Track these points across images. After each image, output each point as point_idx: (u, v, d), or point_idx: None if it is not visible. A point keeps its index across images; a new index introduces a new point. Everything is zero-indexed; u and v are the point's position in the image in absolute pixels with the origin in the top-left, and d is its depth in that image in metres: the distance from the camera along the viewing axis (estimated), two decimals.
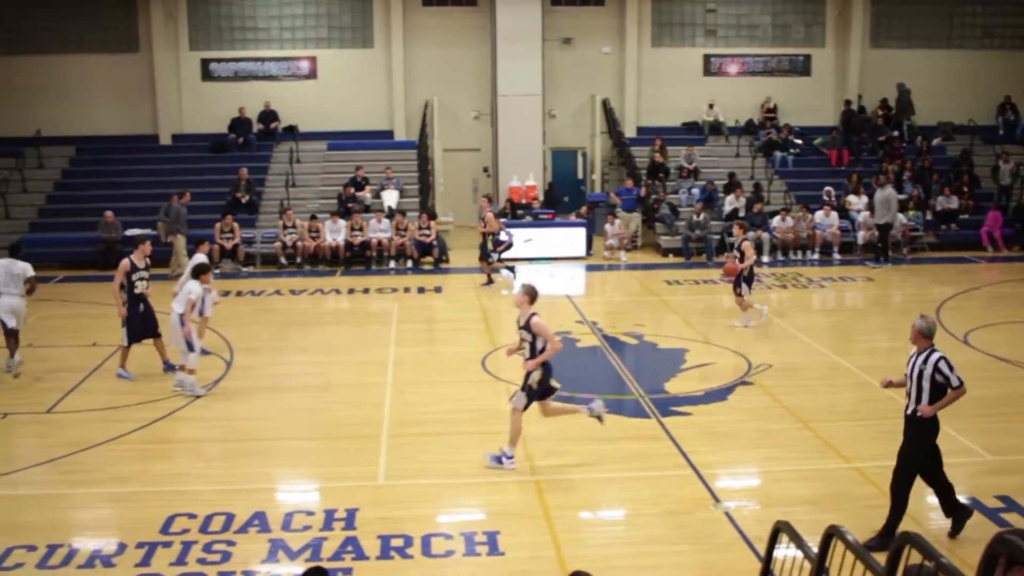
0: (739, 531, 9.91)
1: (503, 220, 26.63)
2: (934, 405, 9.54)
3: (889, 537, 9.57)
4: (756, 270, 19.79)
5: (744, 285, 18.82)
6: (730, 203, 27.64)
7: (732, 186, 28.07)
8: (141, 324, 15.90)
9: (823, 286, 23.21)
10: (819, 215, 26.99)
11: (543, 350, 11.77)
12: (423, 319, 20.36)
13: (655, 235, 28.05)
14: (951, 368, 9.53)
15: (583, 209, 28.49)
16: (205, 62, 31.19)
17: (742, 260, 18.67)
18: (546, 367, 11.88)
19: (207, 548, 9.86)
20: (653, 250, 27.75)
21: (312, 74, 31.41)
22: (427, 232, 25.66)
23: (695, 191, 28.67)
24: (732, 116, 32.03)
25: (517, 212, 28.02)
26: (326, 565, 8.06)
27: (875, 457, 11.77)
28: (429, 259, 25.90)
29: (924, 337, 9.74)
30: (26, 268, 16.22)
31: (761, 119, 32.14)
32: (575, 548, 9.77)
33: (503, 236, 25.73)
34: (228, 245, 25.08)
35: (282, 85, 31.29)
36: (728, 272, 19.06)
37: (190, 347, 14.85)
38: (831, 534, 6.61)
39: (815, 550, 6.84)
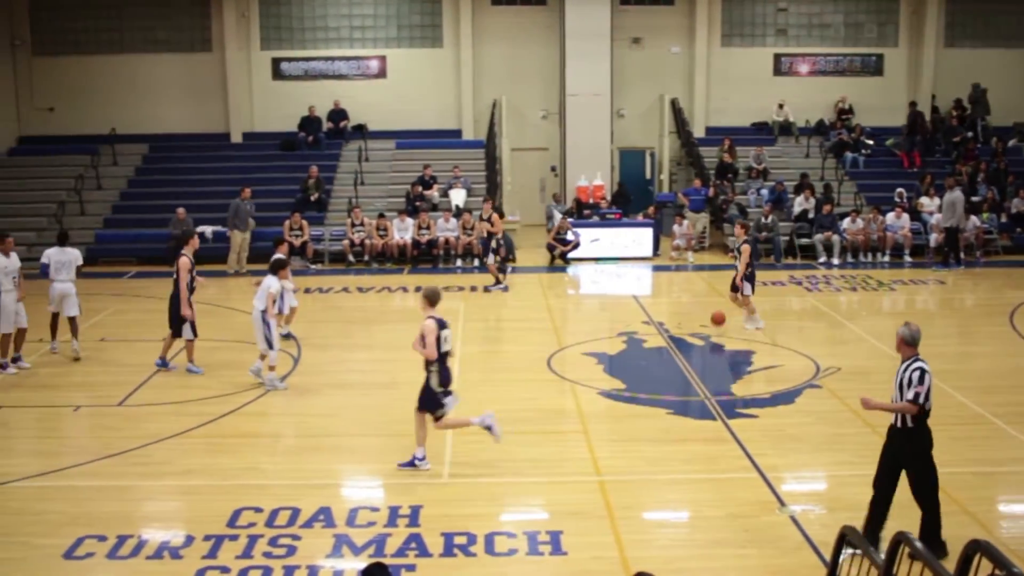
0: (804, 535, 9.81)
1: (570, 220, 26.62)
2: (879, 402, 9.42)
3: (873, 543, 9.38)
4: (826, 271, 19.55)
5: (747, 284, 18.54)
6: (799, 204, 27.35)
7: (802, 187, 27.77)
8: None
9: (893, 289, 22.88)
10: (890, 217, 26.62)
11: (447, 353, 11.91)
12: (489, 318, 20.39)
13: (723, 236, 27.85)
14: (921, 381, 9.27)
15: (650, 209, 28.36)
16: (276, 61, 31.51)
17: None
18: (444, 372, 11.83)
19: (272, 542, 9.96)
20: (720, 251, 27.54)
21: (382, 73, 31.60)
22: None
23: (764, 192, 28.43)
24: (802, 116, 31.72)
25: (584, 212, 27.97)
26: (390, 562, 8.11)
27: (944, 463, 11.56)
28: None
29: (907, 345, 9.53)
30: (77, 256, 17.23)
31: (834, 119, 31.77)
32: (638, 549, 9.73)
33: (570, 236, 25.75)
34: (297, 243, 25.30)
35: (352, 84, 31.51)
36: (716, 321, 18.64)
37: (270, 344, 15.04)
38: (899, 540, 6.52)
39: (882, 556, 6.75)
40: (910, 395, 9.24)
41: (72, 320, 16.95)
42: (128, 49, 31.24)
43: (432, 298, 12.01)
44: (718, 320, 18.48)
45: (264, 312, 15.06)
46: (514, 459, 12.22)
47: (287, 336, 17.76)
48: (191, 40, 31.40)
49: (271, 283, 15.25)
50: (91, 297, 20.11)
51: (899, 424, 9.42)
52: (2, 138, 30.85)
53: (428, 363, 11.74)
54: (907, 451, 9.40)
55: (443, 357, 11.80)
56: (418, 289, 22.55)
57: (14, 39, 31.13)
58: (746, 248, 18.68)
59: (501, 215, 26.28)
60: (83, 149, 30.22)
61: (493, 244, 22.99)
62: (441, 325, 11.79)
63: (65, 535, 10.20)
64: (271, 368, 15.09)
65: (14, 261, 16.10)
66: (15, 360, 16.31)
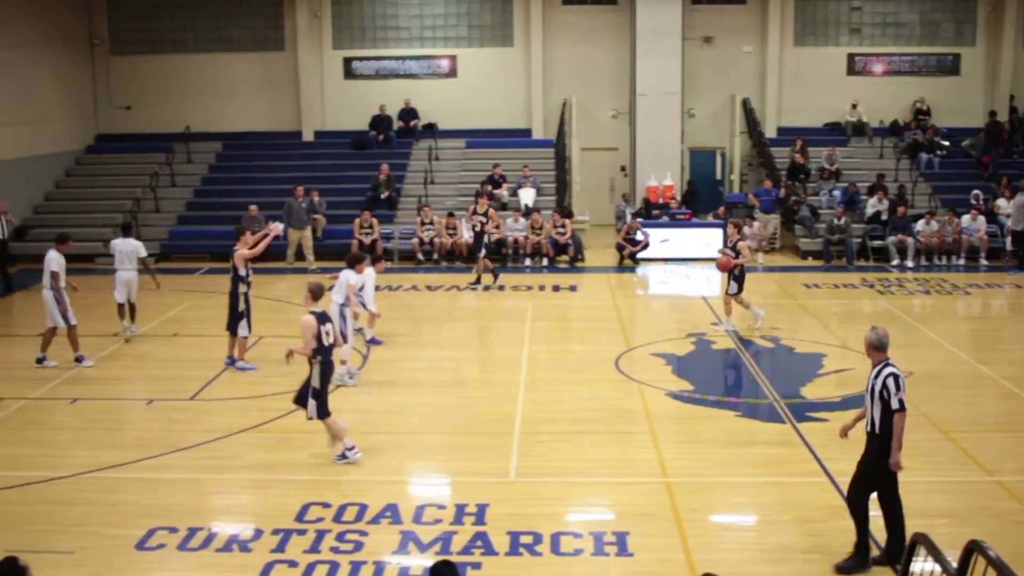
0: (875, 542, 9.68)
1: (639, 220, 26.53)
2: (893, 447, 9.07)
3: (863, 557, 9.27)
4: (899, 274, 19.27)
5: (734, 284, 18.48)
6: (872, 206, 26.98)
7: (876, 188, 27.40)
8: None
9: (968, 293, 22.50)
10: (965, 219, 26.14)
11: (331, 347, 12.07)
12: (557, 317, 20.38)
13: (794, 237, 27.57)
14: (898, 387, 9.04)
15: (720, 210, 28.17)
16: (348, 60, 31.76)
17: (737, 258, 18.32)
18: (325, 368, 11.91)
19: (340, 537, 10.05)
20: (792, 252, 27.26)
21: (452, 72, 31.72)
22: (562, 231, 25.67)
23: (836, 193, 28.09)
24: (876, 117, 31.28)
25: (653, 212, 27.85)
26: (456, 559, 8.13)
27: (1019, 471, 11.39)
28: (564, 257, 25.89)
29: (875, 350, 9.33)
30: (139, 247, 18.32)
31: (909, 120, 31.30)
32: (705, 552, 9.68)
33: (639, 236, 25.66)
34: (367, 240, 25.47)
35: (422, 83, 31.66)
36: (721, 266, 18.58)
37: (344, 338, 15.26)
38: (972, 549, 6.42)
39: (954, 565, 6.65)
40: (895, 404, 9.01)
41: (132, 306, 18.36)
42: (203, 49, 31.70)
43: (316, 293, 12.25)
44: (723, 267, 18.44)
45: (343, 305, 15.26)
46: (581, 459, 12.21)
47: (359, 329, 17.97)
48: (264, 39, 31.77)
49: (348, 276, 15.46)
50: (164, 293, 20.41)
51: (877, 431, 9.22)
52: (81, 136, 31.44)
53: (311, 358, 11.85)
54: (874, 450, 9.23)
55: (326, 352, 11.94)
56: (487, 288, 22.66)
57: (93, 39, 31.74)
58: (744, 245, 18.58)
59: (570, 215, 26.32)
60: (158, 147, 30.73)
61: (486, 239, 23.30)
62: (321, 319, 11.92)
63: (137, 526, 10.39)
64: (343, 362, 15.24)
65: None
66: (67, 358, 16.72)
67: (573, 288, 22.83)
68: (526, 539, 9.95)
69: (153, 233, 27.35)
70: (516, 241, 25.87)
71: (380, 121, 30.75)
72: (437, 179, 29.37)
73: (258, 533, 10.20)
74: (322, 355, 11.81)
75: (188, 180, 30.04)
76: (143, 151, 30.82)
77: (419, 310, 21.24)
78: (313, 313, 11.89)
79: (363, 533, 10.15)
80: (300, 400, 12.12)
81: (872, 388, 9.20)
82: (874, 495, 9.33)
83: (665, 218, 27.47)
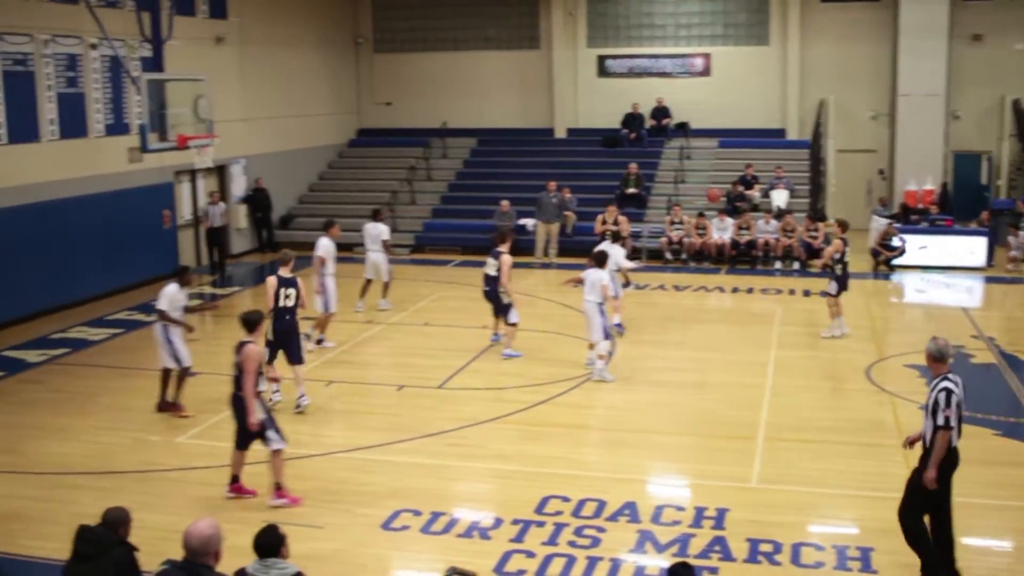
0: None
1: (897, 225, 25.57)
2: (931, 462, 8.60)
3: None
4: None
5: (834, 284, 18.05)
6: None
7: None
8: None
9: None
10: None
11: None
12: (807, 322, 19.86)
13: None
14: (948, 404, 8.59)
15: (984, 216, 26.81)
16: (602, 59, 31.90)
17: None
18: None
19: (578, 532, 10.12)
20: None
21: (706, 71, 31.37)
22: (815, 234, 25.02)
23: None
24: None
25: (911, 217, 26.77)
26: (693, 562, 8.05)
27: None
28: (816, 262, 25.18)
29: (935, 361, 8.80)
30: (383, 230, 19.57)
31: None
32: None
33: (895, 242, 24.74)
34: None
35: (675, 82, 31.45)
36: (711, 197, 17.65)
37: (606, 334, 15.42)
38: None
39: None
40: (940, 420, 8.53)
41: (385, 284, 19.95)
42: (461, 47, 32.51)
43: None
44: (712, 198, 17.73)
45: (600, 304, 15.38)
46: (826, 469, 11.89)
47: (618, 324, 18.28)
48: (520, 38, 32.30)
49: (600, 276, 15.54)
50: (416, 283, 21.09)
51: (927, 445, 8.80)
52: (344, 130, 32.82)
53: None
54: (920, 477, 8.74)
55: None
56: (735, 291, 22.34)
57: (357, 37, 33.08)
58: (837, 244, 17.94)
59: (823, 218, 25.61)
60: (416, 142, 31.73)
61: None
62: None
63: (384, 507, 10.77)
64: (601, 357, 15.38)
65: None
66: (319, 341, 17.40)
67: (824, 294, 22.20)
68: (765, 547, 9.77)
69: (408, 225, 28.28)
70: (767, 243, 25.39)
71: (632, 119, 30.74)
72: (688, 178, 29.13)
73: (498, 522, 10.39)
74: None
75: (443, 174, 30.88)
76: (401, 145, 31.92)
77: (666, 309, 21.12)
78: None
79: (601, 529, 10.19)
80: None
81: (927, 404, 8.78)
82: None
83: (924, 224, 26.36)
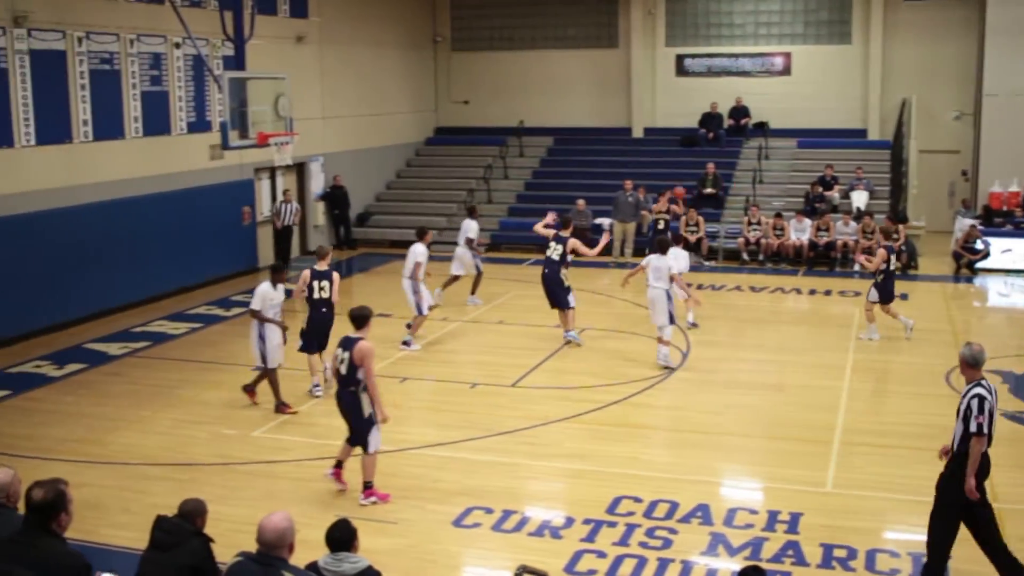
0: None
1: (979, 228, 25.09)
2: (967, 472, 8.49)
3: None
4: None
5: (875, 291, 17.71)
6: None
7: None
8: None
9: None
10: None
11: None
12: (885, 325, 19.53)
13: None
14: (980, 410, 8.42)
15: None
16: (680, 58, 31.71)
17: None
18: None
19: (649, 533, 10.08)
20: None
21: (786, 70, 31.04)
22: (895, 236, 24.61)
23: None
24: None
25: (995, 219, 26.24)
26: (765, 566, 7.98)
27: None
28: (896, 264, 24.82)
29: (969, 367, 8.66)
30: (469, 227, 20.32)
31: None
32: None
33: (979, 244, 24.30)
34: (692, 238, 25.37)
35: (754, 81, 31.17)
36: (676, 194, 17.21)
37: (671, 318, 15.80)
38: None
39: None
40: (973, 427, 8.37)
41: (475, 281, 20.61)
42: (539, 45, 32.53)
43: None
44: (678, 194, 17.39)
45: (667, 290, 15.53)
46: (903, 475, 11.69)
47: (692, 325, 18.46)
48: (598, 36, 32.24)
49: (665, 262, 15.75)
50: (492, 281, 21.15)
51: (955, 449, 8.66)
52: (422, 128, 33.02)
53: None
54: (954, 470, 8.66)
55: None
56: (812, 292, 22.10)
57: (436, 36, 33.26)
58: (882, 253, 17.58)
59: (904, 220, 25.22)
60: (492, 140, 31.83)
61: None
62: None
63: (456, 503, 10.83)
64: (665, 343, 15.58)
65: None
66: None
67: (904, 296, 21.82)
68: (839, 552, 9.65)
69: (484, 223, 28.18)
70: (846, 245, 25.04)
71: (710, 119, 30.52)
72: (766, 178, 28.86)
73: (569, 521, 10.39)
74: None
75: (520, 173, 30.93)
76: (478, 144, 32.05)
77: (742, 311, 20.95)
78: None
79: (673, 531, 10.14)
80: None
81: (960, 409, 8.63)
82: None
83: (1009, 227, 25.82)
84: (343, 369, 10.88)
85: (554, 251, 17.55)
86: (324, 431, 13.10)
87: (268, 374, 14.05)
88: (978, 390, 8.59)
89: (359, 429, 10.96)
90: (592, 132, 32.00)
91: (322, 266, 14.69)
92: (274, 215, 24.91)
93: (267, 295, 14.00)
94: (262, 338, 13.93)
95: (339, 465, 11.28)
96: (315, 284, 14.51)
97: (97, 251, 19.54)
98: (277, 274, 14.26)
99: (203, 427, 13.59)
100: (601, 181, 28.58)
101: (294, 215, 24.88)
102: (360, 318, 11.11)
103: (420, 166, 32.04)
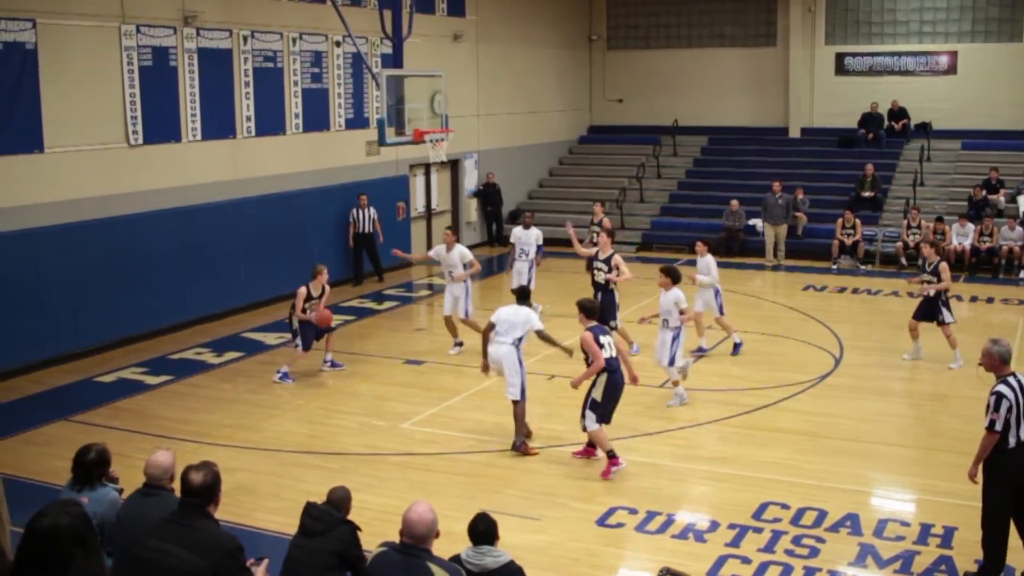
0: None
1: None
2: (973, 462, 8.87)
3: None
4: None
5: (944, 311, 16.34)
6: None
7: None
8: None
9: None
10: None
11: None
12: None
13: None
14: (996, 407, 8.53)
15: None
16: (840, 56, 31.04)
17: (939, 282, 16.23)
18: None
19: (796, 541, 9.91)
20: None
21: (951, 69, 30.09)
22: None
23: None
24: None
25: None
26: None
27: None
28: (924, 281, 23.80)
29: (1002, 363, 8.72)
30: (538, 236, 19.41)
31: None
32: None
33: None
34: (848, 241, 24.83)
35: (917, 80, 30.30)
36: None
37: (671, 360, 14.53)
38: None
39: None
40: (986, 422, 8.42)
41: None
42: (695, 44, 32.28)
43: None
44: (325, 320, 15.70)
45: (676, 331, 14.53)
46: None
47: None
48: (756, 35, 31.81)
49: (674, 296, 14.72)
50: (641, 281, 20.99)
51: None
52: (575, 127, 33.10)
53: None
54: (993, 464, 8.75)
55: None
56: (973, 300, 21.40)
57: (591, 35, 33.27)
58: (944, 267, 16.50)
59: None
60: (646, 139, 31.69)
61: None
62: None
63: (600, 503, 10.84)
64: (675, 383, 14.55)
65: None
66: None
67: (940, 322, 20.84)
68: None
69: (636, 222, 28.29)
70: (1011, 251, 24.15)
71: (870, 119, 29.79)
72: (927, 181, 28.04)
73: (714, 525, 10.29)
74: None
75: (673, 172, 30.72)
76: (631, 143, 31.95)
77: (898, 317, 20.32)
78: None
79: (820, 540, 9.95)
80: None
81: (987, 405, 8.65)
82: None
83: None
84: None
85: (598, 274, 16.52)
86: (473, 425, 13.27)
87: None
88: (1000, 387, 8.67)
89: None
90: (747, 132, 31.59)
91: (316, 286, 15.72)
92: (351, 223, 22.64)
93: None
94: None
95: (612, 455, 11.67)
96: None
97: (256, 243, 20.12)
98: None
99: (353, 417, 13.89)
100: (756, 182, 28.18)
101: (373, 223, 22.75)
102: (589, 309, 11.90)
103: (573, 164, 32.12)
